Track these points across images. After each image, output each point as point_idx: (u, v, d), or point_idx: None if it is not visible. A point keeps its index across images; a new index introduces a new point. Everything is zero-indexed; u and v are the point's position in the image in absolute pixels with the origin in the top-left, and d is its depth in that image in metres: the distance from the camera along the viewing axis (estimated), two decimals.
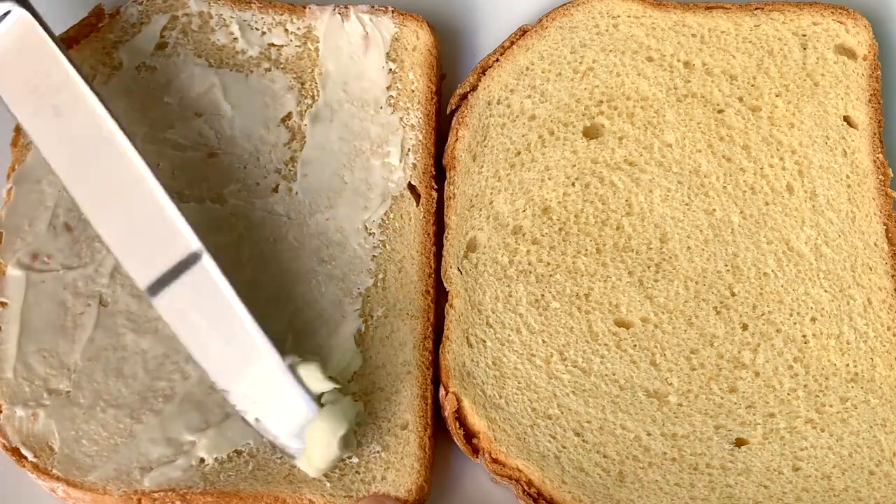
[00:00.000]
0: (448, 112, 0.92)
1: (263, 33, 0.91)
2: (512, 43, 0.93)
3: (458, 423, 0.79)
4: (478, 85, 0.91)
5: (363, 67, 0.91)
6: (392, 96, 0.90)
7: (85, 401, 0.78)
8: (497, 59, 0.92)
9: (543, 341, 0.82)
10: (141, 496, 0.75)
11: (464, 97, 0.91)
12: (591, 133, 0.89)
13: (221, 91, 0.89)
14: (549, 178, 0.87)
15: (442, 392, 0.80)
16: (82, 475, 0.76)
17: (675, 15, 0.93)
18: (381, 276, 0.84)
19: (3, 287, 0.81)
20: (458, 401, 0.80)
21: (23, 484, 0.79)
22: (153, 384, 0.79)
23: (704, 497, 0.77)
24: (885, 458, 0.78)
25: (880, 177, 0.88)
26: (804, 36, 0.92)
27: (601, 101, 0.90)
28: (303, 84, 0.90)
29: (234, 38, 0.91)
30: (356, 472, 0.77)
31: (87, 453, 0.76)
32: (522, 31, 0.93)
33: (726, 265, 0.84)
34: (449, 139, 0.90)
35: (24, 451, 0.76)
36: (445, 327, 0.82)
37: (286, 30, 0.92)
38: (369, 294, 0.83)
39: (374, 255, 0.84)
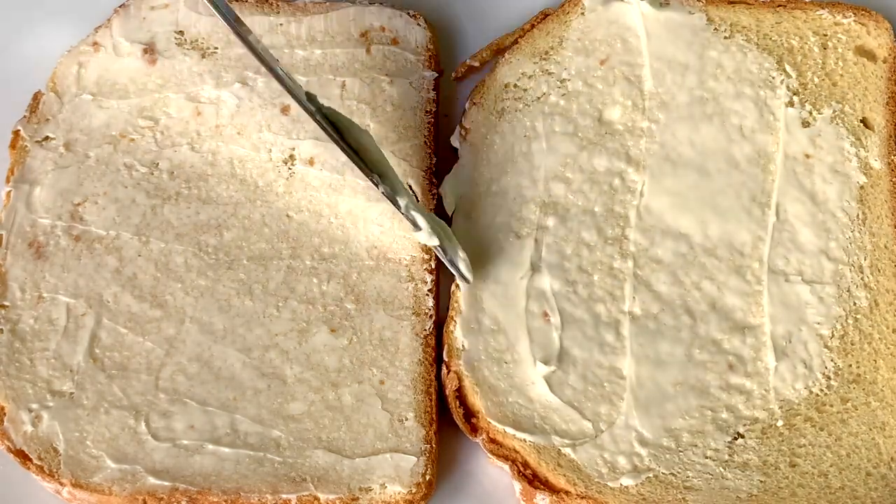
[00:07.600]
0: (453, 78, 0.93)
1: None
2: (532, 26, 0.93)
3: (458, 402, 0.80)
4: (489, 62, 0.91)
5: (362, 63, 0.90)
6: (391, 93, 0.89)
7: (88, 402, 0.78)
8: (516, 41, 0.92)
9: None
10: (146, 496, 0.75)
11: (471, 69, 0.92)
12: (605, 121, 0.89)
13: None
14: (561, 165, 0.87)
15: (444, 370, 0.81)
16: (87, 476, 0.76)
17: None
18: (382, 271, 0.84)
19: (4, 288, 0.81)
20: (460, 380, 0.80)
21: (28, 485, 0.79)
22: (156, 384, 0.79)
23: (699, 488, 0.77)
24: (882, 462, 0.78)
25: (893, 179, 0.87)
26: (825, 35, 0.92)
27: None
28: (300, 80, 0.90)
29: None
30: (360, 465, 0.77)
31: (92, 454, 0.76)
32: (543, 15, 0.93)
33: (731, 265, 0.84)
34: (463, 120, 0.90)
35: (28, 454, 0.76)
36: (451, 307, 0.83)
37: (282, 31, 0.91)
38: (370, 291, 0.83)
39: (375, 252, 0.84)
